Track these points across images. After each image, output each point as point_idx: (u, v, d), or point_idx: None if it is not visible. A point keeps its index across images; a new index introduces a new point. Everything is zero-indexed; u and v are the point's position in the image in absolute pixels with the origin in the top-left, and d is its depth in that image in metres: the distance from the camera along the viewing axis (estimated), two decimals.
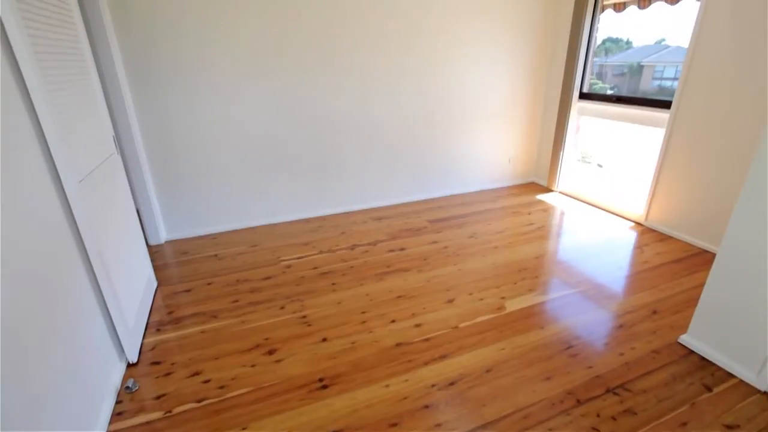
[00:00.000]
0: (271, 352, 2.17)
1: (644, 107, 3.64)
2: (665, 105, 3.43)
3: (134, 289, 2.34)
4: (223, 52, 3.20)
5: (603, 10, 3.92)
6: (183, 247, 3.43)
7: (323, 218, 4.00)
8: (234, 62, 3.25)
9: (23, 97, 1.52)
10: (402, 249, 3.34)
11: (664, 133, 3.41)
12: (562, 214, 4.09)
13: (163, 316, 2.49)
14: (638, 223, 3.77)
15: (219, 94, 3.30)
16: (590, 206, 4.24)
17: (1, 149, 1.32)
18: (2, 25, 1.43)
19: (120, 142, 3.07)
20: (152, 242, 3.47)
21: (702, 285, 2.53)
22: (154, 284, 2.80)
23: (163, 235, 3.53)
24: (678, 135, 3.32)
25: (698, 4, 3.06)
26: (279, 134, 3.62)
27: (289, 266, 3.08)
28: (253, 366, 2.07)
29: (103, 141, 2.25)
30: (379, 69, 3.77)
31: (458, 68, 4.09)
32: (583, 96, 4.24)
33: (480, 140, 4.52)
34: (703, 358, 2.07)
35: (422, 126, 4.17)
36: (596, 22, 3.98)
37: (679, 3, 3.31)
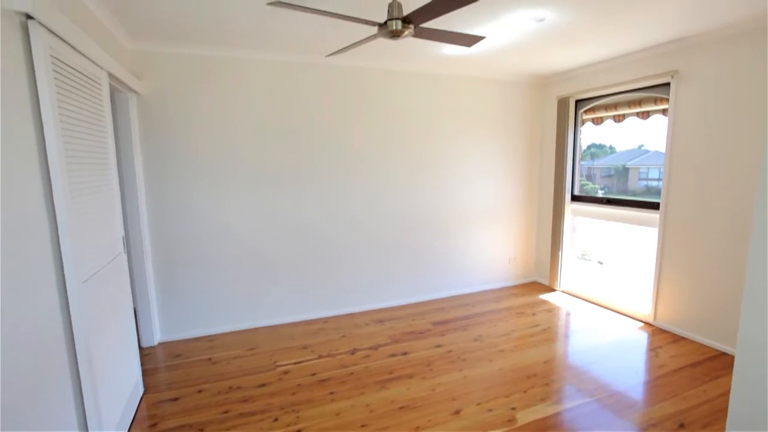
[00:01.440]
0: None
1: (634, 208, 3.80)
2: (654, 206, 3.59)
3: (118, 397, 2.19)
4: (228, 161, 3.48)
5: (583, 123, 4.34)
6: (177, 350, 3.28)
7: (325, 320, 3.90)
8: (237, 170, 3.51)
9: (47, 201, 1.62)
10: (404, 353, 3.19)
11: (657, 233, 3.51)
12: (568, 314, 3.99)
13: (144, 430, 2.29)
14: (647, 323, 3.65)
15: (223, 199, 3.49)
16: (595, 305, 4.15)
17: (14, 248, 1.37)
18: (43, 138, 1.60)
19: (128, 240, 3.16)
20: (145, 344, 3.34)
21: (728, 393, 2.36)
22: (140, 391, 2.62)
23: (157, 336, 3.41)
24: (671, 234, 3.41)
25: (666, 118, 3.40)
26: (281, 236, 3.73)
27: (286, 372, 2.92)
28: None
29: (113, 242, 2.32)
30: (380, 175, 4.03)
31: (454, 173, 4.37)
32: (575, 198, 4.46)
33: (479, 241, 4.62)
34: None
35: (422, 228, 4.31)
36: (578, 132, 4.38)
37: (650, 118, 3.68)
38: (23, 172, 1.47)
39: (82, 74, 1.96)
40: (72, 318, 1.71)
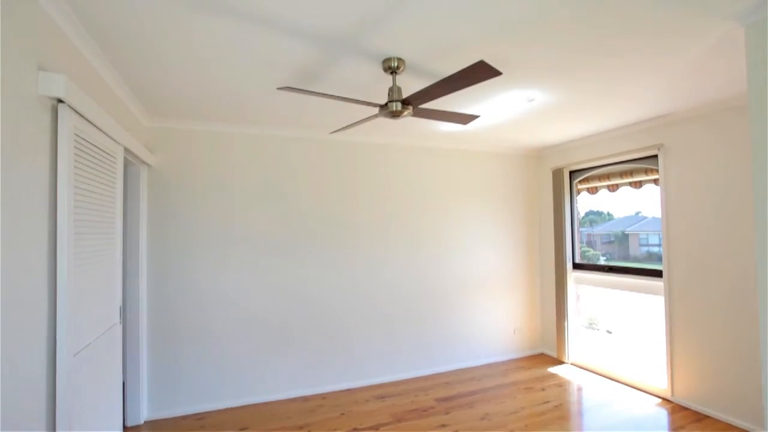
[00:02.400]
0: None
1: (637, 276, 3.77)
2: (657, 274, 3.57)
3: None
4: (230, 233, 3.53)
5: (579, 192, 4.47)
6: (164, 429, 3.06)
7: (323, 396, 3.69)
8: (238, 242, 3.55)
9: (50, 272, 1.63)
10: None
11: (664, 301, 3.44)
12: (579, 389, 3.77)
13: None
14: (665, 399, 3.43)
15: (222, 270, 3.49)
16: (607, 379, 3.94)
17: (9, 318, 1.36)
18: (56, 210, 1.66)
19: (125, 309, 3.11)
20: (131, 422, 3.12)
21: None
22: None
23: (144, 413, 3.20)
24: (678, 303, 3.34)
25: (658, 188, 3.52)
26: (279, 309, 3.67)
27: None
28: None
29: (110, 312, 2.29)
30: (380, 245, 4.07)
31: (454, 243, 4.40)
32: (577, 266, 4.44)
33: (482, 311, 4.52)
34: None
35: (423, 298, 4.24)
36: (575, 202, 4.49)
37: (643, 187, 3.80)
38: (31, 242, 1.51)
39: (101, 149, 2.08)
40: (57, 392, 1.64)
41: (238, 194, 3.55)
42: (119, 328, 2.47)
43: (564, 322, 4.43)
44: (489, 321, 4.55)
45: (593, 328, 4.53)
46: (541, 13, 1.76)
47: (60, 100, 1.65)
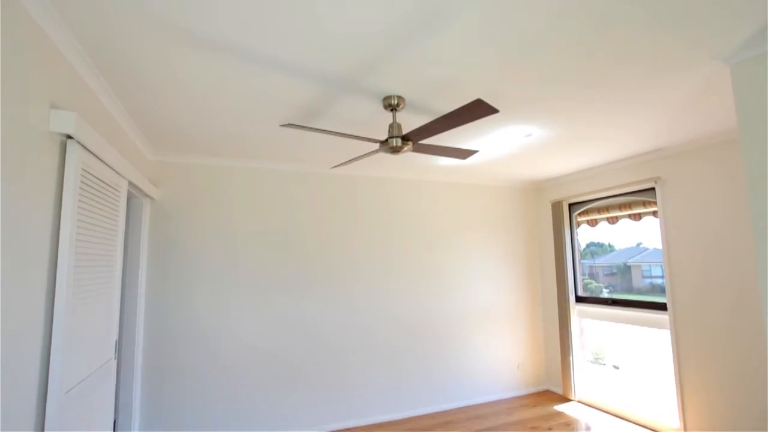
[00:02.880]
0: None
1: (642, 309, 3.71)
2: (662, 307, 3.51)
3: None
4: (230, 267, 3.51)
5: (579, 225, 4.48)
6: None
7: None
8: (238, 276, 3.54)
9: (48, 299, 1.62)
10: None
11: (670, 335, 3.37)
12: (588, 429, 3.63)
13: None
14: None
15: (221, 305, 3.44)
16: (616, 417, 3.79)
17: (5, 347, 1.33)
18: (57, 244, 1.67)
19: (120, 344, 3.04)
20: None
21: None
22: None
23: None
24: (685, 338, 3.27)
25: (657, 219, 3.53)
26: (278, 344, 3.58)
27: None
28: None
29: (105, 347, 2.25)
30: (381, 281, 4.04)
31: (456, 277, 4.37)
32: (580, 299, 4.38)
33: (485, 346, 4.42)
34: None
35: (425, 333, 4.16)
36: (575, 234, 4.49)
37: (642, 219, 3.82)
38: (30, 275, 1.50)
39: (106, 183, 2.12)
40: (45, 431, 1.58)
41: (240, 228, 3.56)
42: (113, 363, 2.42)
43: (569, 357, 4.32)
44: (492, 356, 4.45)
45: (599, 363, 4.41)
46: (536, 52, 1.84)
47: (69, 136, 1.69)
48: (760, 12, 1.58)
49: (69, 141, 1.70)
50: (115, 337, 2.41)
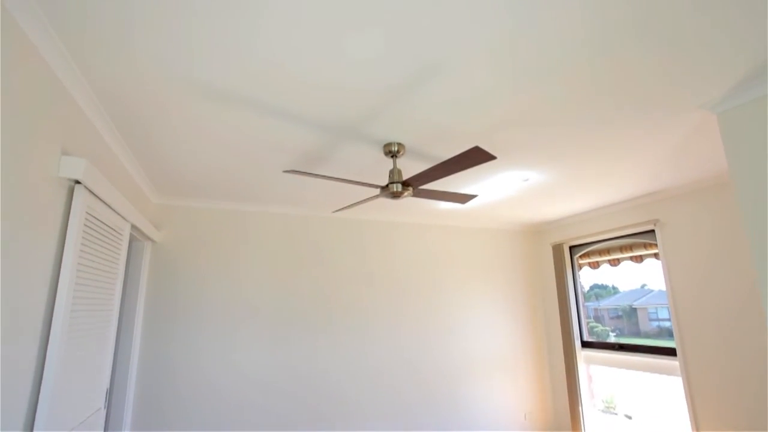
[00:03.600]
0: None
1: (651, 355, 3.59)
2: (671, 352, 3.40)
3: None
4: (229, 314, 3.45)
5: (581, 267, 4.44)
6: None
7: None
8: (238, 322, 3.47)
9: (41, 341, 1.58)
10: None
11: (682, 383, 3.24)
12: None
13: None
14: None
15: (222, 354, 3.35)
16: None
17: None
18: (56, 289, 1.65)
19: (111, 393, 2.93)
20: None
21: None
22: None
23: None
24: (698, 386, 3.15)
25: (659, 261, 3.51)
26: (283, 394, 3.45)
27: None
28: None
29: (95, 396, 2.17)
30: (384, 326, 3.96)
31: (460, 323, 4.28)
32: (585, 344, 4.26)
33: (491, 396, 4.25)
34: None
35: (430, 384, 4.01)
36: (577, 277, 4.45)
37: (644, 261, 3.80)
38: (25, 319, 1.48)
39: (109, 226, 2.14)
40: None
41: (243, 272, 3.54)
42: (103, 414, 2.32)
43: (578, 406, 4.13)
44: (498, 404, 4.26)
45: (611, 413, 4.21)
46: (532, 101, 1.92)
47: (77, 181, 1.73)
48: (741, 64, 1.66)
49: (77, 186, 1.74)
50: (106, 385, 2.33)
